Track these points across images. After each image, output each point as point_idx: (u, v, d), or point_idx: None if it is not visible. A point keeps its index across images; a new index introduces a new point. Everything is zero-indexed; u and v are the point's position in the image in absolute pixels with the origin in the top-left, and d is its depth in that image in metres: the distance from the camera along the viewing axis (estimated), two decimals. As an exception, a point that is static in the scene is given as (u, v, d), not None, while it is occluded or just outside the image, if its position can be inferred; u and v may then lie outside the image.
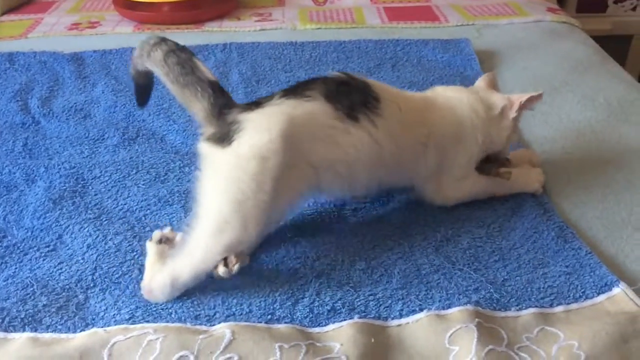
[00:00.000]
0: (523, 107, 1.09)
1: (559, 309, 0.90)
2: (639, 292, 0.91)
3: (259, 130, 0.91)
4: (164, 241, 0.98)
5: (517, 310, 0.90)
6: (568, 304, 0.90)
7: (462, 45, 1.69)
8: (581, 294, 0.92)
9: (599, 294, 0.91)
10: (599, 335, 0.82)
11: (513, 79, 1.57)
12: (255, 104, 0.96)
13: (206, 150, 0.94)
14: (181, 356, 0.81)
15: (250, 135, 0.91)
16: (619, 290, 0.91)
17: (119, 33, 1.89)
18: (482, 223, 1.07)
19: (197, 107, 0.96)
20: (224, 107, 0.95)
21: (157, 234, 0.99)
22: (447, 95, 1.09)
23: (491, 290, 0.93)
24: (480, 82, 1.17)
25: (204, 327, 0.86)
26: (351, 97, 0.97)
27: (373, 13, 2.02)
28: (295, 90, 0.97)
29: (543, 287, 0.93)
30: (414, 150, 1.03)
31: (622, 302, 0.89)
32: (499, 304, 0.91)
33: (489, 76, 1.18)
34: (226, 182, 0.91)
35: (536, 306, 0.90)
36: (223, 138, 0.92)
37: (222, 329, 0.85)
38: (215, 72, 1.55)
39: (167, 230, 1.00)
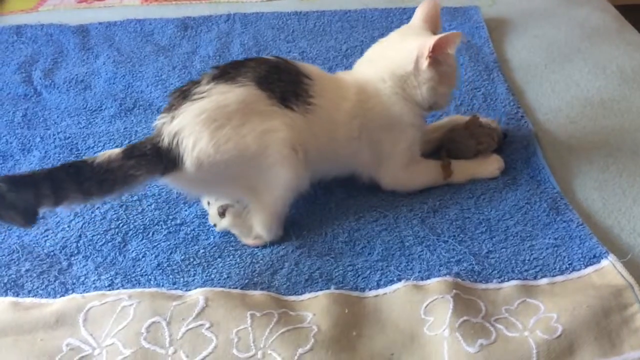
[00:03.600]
0: (437, 51, 0.95)
1: (543, 281, 0.87)
2: (630, 265, 0.88)
3: (195, 139, 0.88)
4: (225, 209, 0.97)
5: (499, 282, 0.87)
6: (553, 276, 0.88)
7: (471, 13, 1.63)
8: (568, 266, 0.89)
9: (586, 266, 0.88)
10: (579, 308, 0.79)
11: (523, 47, 1.51)
12: (182, 95, 0.91)
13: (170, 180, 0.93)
14: (153, 322, 0.81)
15: (190, 147, 0.88)
16: (607, 263, 0.87)
17: (126, 5, 1.88)
18: (472, 194, 1.04)
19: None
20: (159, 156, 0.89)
21: (214, 211, 0.98)
22: (372, 75, 1.00)
23: (473, 262, 0.90)
24: (417, 15, 1.05)
25: (179, 293, 0.87)
26: (282, 85, 0.92)
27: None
28: (225, 74, 0.92)
29: (528, 259, 0.91)
30: (348, 145, 0.98)
31: (610, 274, 0.86)
32: (480, 276, 0.88)
33: (428, 5, 1.04)
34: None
35: (519, 278, 0.88)
36: (173, 163, 0.89)
37: (197, 295, 0.85)
38: (217, 43, 1.57)
39: (214, 203, 0.99)
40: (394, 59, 1.00)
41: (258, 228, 0.95)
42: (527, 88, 1.36)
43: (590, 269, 0.88)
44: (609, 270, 0.86)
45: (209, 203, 1.01)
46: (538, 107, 1.29)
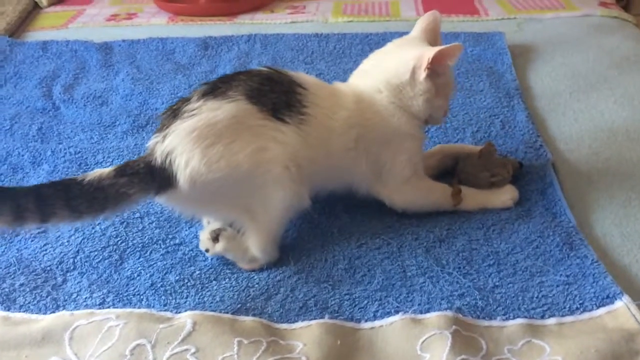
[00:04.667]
0: (437, 62, 0.93)
1: (550, 321, 0.82)
2: (645, 308, 0.82)
3: (187, 158, 0.86)
4: (218, 233, 0.95)
5: (504, 319, 0.82)
6: (562, 316, 0.82)
7: (495, 39, 1.59)
8: (579, 306, 0.83)
9: (599, 306, 0.83)
10: (587, 352, 0.74)
11: (547, 75, 1.47)
12: (173, 114, 0.90)
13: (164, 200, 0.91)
14: (138, 344, 0.79)
15: (182, 166, 0.86)
16: (622, 304, 0.82)
17: (153, 24, 1.91)
18: (482, 224, 0.99)
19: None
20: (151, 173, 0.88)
21: (206, 236, 0.95)
22: (368, 86, 0.98)
23: (477, 297, 0.86)
24: (417, 27, 1.03)
25: (168, 315, 0.84)
26: (274, 96, 0.90)
27: (409, 5, 1.95)
28: (215, 90, 0.90)
29: (537, 297, 0.85)
30: (345, 156, 0.95)
31: (623, 317, 0.80)
32: (483, 312, 0.84)
33: (429, 18, 1.02)
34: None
35: (525, 317, 0.82)
36: (167, 182, 0.88)
37: (185, 319, 0.82)
38: (236, 63, 1.56)
39: (207, 228, 0.97)
40: (389, 69, 0.97)
41: (253, 250, 0.92)
42: (548, 116, 1.31)
43: (602, 310, 0.82)
44: (622, 312, 0.81)
45: (209, 222, 0.99)
46: (559, 136, 1.24)
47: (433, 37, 1.02)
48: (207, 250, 0.95)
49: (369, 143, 0.96)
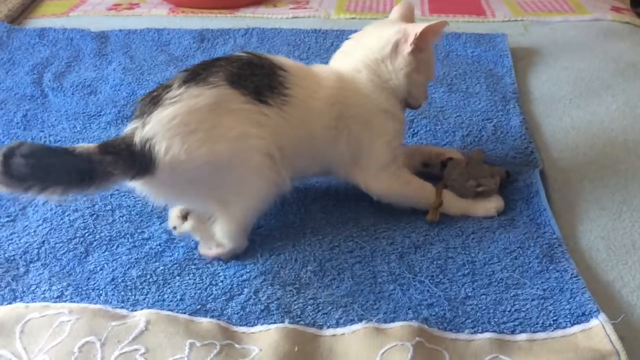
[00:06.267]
0: (423, 39, 0.94)
1: (521, 336, 0.77)
2: (623, 327, 0.77)
3: (168, 145, 0.84)
4: (188, 212, 0.94)
5: (472, 332, 0.78)
6: (534, 332, 0.78)
7: (497, 41, 1.54)
8: (552, 322, 0.79)
9: (572, 324, 0.78)
10: (554, 373, 0.70)
11: (548, 79, 1.42)
12: (152, 101, 0.87)
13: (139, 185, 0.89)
14: (87, 341, 0.76)
15: (162, 152, 0.84)
16: (597, 323, 0.77)
17: (153, 15, 1.89)
18: (461, 232, 0.95)
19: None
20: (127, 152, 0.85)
21: (175, 213, 0.95)
22: (348, 66, 0.99)
23: (446, 307, 0.82)
24: (394, 13, 1.04)
25: (124, 312, 0.82)
26: (256, 79, 0.89)
27: (415, 4, 1.90)
28: (196, 76, 0.88)
29: (509, 310, 0.81)
30: (326, 136, 0.94)
31: (597, 337, 0.75)
32: (451, 323, 0.80)
33: (404, 5, 1.04)
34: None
35: (495, 331, 0.78)
36: (145, 168, 0.85)
37: (139, 317, 0.79)
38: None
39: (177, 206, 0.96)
40: (369, 46, 0.98)
41: (221, 236, 0.90)
42: (545, 122, 1.26)
43: (576, 328, 0.77)
44: (596, 331, 0.76)
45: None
46: (554, 143, 1.19)
47: (409, 22, 1.02)
48: (174, 228, 0.93)
49: (349, 122, 0.95)
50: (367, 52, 0.97)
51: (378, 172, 0.96)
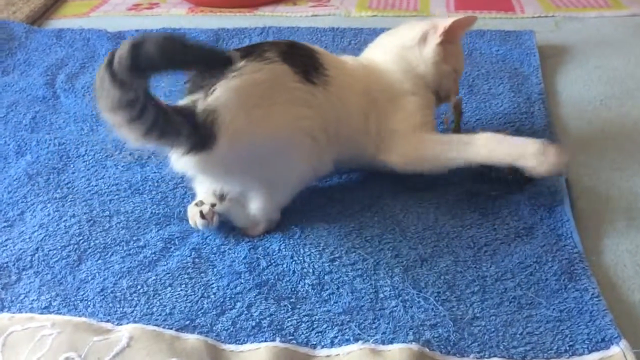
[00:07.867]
0: (451, 31, 0.99)
1: (532, 363, 0.70)
2: (647, 357, 0.69)
3: (232, 117, 0.82)
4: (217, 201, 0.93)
5: (478, 358, 0.72)
6: (547, 358, 0.71)
7: (524, 38, 1.46)
8: (568, 348, 0.72)
9: (590, 351, 0.71)
10: (566, 407, 0.63)
11: (579, 79, 1.33)
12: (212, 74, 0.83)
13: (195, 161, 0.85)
14: (67, 357, 0.73)
15: (226, 124, 0.81)
16: (618, 351, 0.70)
17: (172, 15, 1.86)
18: (473, 244, 0.88)
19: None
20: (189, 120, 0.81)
21: (195, 211, 0.92)
22: (376, 54, 1.03)
23: (450, 328, 0.75)
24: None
25: (108, 326, 0.78)
26: (302, 59, 0.90)
27: (440, 1, 1.83)
28: (252, 52, 0.87)
29: (521, 333, 0.74)
30: (358, 120, 0.95)
31: (618, 367, 0.68)
32: (455, 347, 0.73)
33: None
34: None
35: (504, 356, 0.71)
36: (204, 142, 0.81)
37: (123, 332, 0.75)
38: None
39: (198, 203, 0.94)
40: (401, 35, 1.03)
41: (257, 214, 0.91)
42: (572, 125, 1.18)
43: (594, 356, 0.70)
44: (617, 360, 0.69)
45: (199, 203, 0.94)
46: (579, 145, 1.11)
47: None
48: (213, 205, 0.92)
49: (377, 100, 0.97)
50: (398, 41, 1.02)
51: (407, 138, 0.95)
